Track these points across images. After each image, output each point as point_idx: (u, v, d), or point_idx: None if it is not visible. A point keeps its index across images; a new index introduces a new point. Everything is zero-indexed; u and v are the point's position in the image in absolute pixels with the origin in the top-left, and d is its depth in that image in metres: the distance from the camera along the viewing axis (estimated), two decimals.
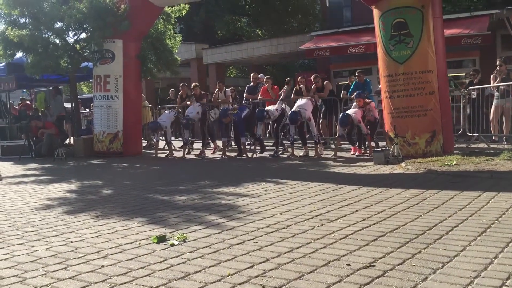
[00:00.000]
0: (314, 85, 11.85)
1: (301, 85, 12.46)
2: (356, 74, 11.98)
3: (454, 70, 15.10)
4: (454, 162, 7.31)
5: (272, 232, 3.81)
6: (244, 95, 13.44)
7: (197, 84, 13.66)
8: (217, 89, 13.34)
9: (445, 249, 3.15)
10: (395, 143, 8.21)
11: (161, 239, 3.64)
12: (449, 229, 3.66)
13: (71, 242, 3.72)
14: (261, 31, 29.04)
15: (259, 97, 12.78)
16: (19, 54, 12.16)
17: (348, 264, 2.93)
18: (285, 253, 3.22)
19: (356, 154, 9.71)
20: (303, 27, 26.87)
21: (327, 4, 23.73)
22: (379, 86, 9.93)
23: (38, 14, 11.26)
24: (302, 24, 27.88)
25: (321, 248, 3.30)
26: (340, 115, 9.62)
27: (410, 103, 8.44)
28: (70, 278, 2.88)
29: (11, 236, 3.98)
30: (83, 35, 12.18)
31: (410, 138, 8.45)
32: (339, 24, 19.73)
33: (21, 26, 11.31)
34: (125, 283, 2.76)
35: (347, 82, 13.40)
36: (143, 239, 3.71)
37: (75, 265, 3.12)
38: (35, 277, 2.91)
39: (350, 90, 11.95)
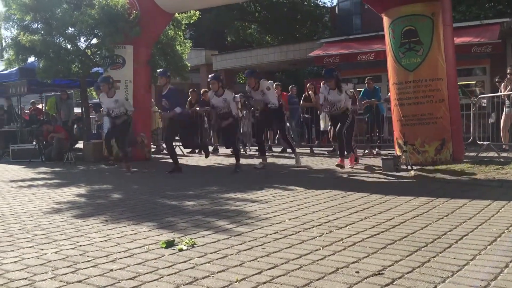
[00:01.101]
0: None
1: (309, 92, 12.47)
2: (366, 81, 11.97)
3: (464, 78, 15.06)
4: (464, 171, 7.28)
5: (280, 238, 3.81)
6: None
7: (207, 90, 13.70)
8: None
9: (454, 258, 3.13)
10: (404, 151, 8.18)
11: (169, 244, 3.64)
12: (459, 238, 3.63)
13: (80, 245, 3.74)
14: (270, 38, 29.11)
15: None
16: (31, 59, 12.26)
17: (357, 272, 2.91)
18: (293, 259, 3.22)
19: (349, 165, 8.68)
20: (312, 34, 26.92)
21: (336, 12, 23.79)
22: (389, 94, 9.91)
23: (50, 20, 11.37)
24: (311, 31, 27.93)
25: (330, 255, 3.29)
26: (324, 70, 8.96)
27: (419, 111, 8.42)
28: (79, 281, 2.89)
29: (21, 239, 4.01)
30: (94, 41, 12.27)
31: (419, 146, 8.42)
32: (348, 31, 19.79)
33: (34, 31, 11.42)
34: (133, 287, 2.77)
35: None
36: (151, 244, 3.72)
37: (84, 268, 3.14)
38: (45, 280, 2.93)
39: (359, 97, 11.94)
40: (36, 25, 11.69)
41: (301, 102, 12.52)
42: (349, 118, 8.55)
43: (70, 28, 11.74)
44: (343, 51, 16.17)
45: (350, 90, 9.53)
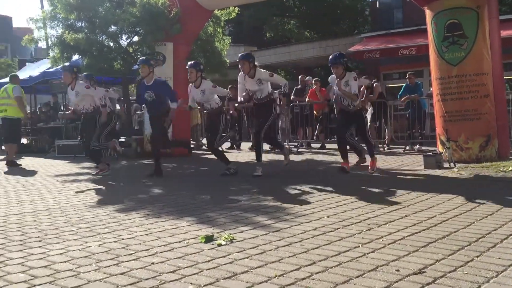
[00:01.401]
0: (363, 87, 11.67)
1: None
2: (407, 76, 11.75)
3: (511, 72, 14.56)
4: (510, 168, 7.04)
5: (319, 235, 3.79)
6: (291, 97, 13.43)
7: (234, 86, 13.73)
8: None
9: (499, 258, 3.04)
10: (447, 148, 7.99)
11: (208, 239, 3.68)
12: (504, 237, 3.52)
13: (123, 239, 3.82)
14: (309, 33, 28.91)
15: (306, 99, 12.75)
16: (75, 57, 12.61)
17: (397, 270, 2.87)
18: (332, 256, 3.20)
19: (369, 169, 7.71)
20: (352, 29, 26.59)
21: (377, 5, 23.42)
22: (431, 89, 9.69)
23: (94, 18, 11.66)
24: (351, 26, 27.60)
25: (369, 253, 3.25)
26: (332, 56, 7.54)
27: (463, 107, 8.20)
28: (122, 273, 2.96)
29: (66, 231, 4.14)
30: (135, 38, 12.51)
31: (463, 142, 8.20)
32: (389, 26, 19.44)
33: (78, 30, 11.74)
34: (174, 280, 2.82)
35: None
36: (191, 238, 3.77)
37: (126, 261, 3.21)
38: (89, 271, 3.02)
39: (400, 92, 11.74)
40: (80, 23, 12.01)
41: None
42: (365, 121, 7.64)
43: (112, 26, 12.00)
44: (384, 46, 15.92)
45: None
